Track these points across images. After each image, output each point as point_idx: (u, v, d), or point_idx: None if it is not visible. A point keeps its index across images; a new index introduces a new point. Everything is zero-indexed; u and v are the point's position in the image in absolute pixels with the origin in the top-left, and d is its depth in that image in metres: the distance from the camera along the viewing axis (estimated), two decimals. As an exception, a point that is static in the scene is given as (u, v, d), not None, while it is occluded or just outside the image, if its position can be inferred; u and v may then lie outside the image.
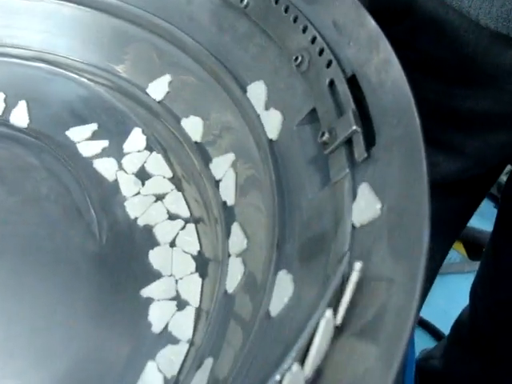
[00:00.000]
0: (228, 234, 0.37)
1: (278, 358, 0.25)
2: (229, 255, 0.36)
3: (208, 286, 0.37)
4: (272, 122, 0.36)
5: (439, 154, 0.50)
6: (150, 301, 0.36)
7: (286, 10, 0.36)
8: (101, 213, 0.40)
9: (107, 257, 0.38)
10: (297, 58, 0.34)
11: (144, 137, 0.43)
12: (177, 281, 0.37)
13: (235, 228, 0.37)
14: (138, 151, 0.43)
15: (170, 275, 0.37)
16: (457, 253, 1.20)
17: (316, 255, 0.28)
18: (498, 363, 0.74)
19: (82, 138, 0.44)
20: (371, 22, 0.30)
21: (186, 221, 0.40)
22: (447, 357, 0.84)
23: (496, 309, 0.68)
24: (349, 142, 0.29)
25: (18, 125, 0.44)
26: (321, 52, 0.33)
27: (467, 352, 0.78)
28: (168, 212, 0.40)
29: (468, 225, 0.71)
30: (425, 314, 1.04)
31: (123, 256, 0.38)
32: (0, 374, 0.33)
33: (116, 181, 0.42)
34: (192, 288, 0.37)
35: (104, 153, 0.43)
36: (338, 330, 0.22)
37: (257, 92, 0.38)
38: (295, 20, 0.35)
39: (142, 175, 0.42)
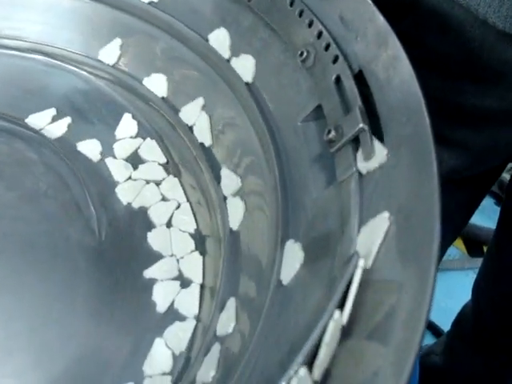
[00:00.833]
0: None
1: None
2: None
3: (209, 262, 0.37)
4: (245, 67, 0.37)
5: (444, 151, 0.50)
6: (152, 282, 0.36)
7: (292, 4, 0.35)
8: (100, 209, 0.39)
9: (106, 253, 0.37)
10: (302, 53, 0.34)
11: (135, 122, 0.43)
12: (178, 260, 0.38)
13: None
14: (131, 137, 0.43)
15: (171, 255, 0.38)
16: (457, 249, 1.20)
17: (321, 256, 0.28)
18: (501, 358, 0.74)
19: (45, 123, 0.43)
20: (380, 18, 0.30)
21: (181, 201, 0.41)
22: (449, 352, 0.84)
23: (500, 303, 0.68)
24: (356, 140, 0.28)
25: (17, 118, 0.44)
26: (327, 47, 0.32)
27: (470, 347, 0.78)
28: (162, 194, 0.41)
29: (468, 222, 0.71)
30: (423, 310, 1.04)
31: (123, 252, 0.37)
32: (-1, 372, 0.33)
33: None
34: (194, 266, 0.37)
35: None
36: (347, 333, 0.22)
37: (219, 39, 0.39)
38: (301, 14, 0.34)
39: (135, 161, 0.42)
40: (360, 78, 0.30)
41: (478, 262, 0.72)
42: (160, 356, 0.34)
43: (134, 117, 0.44)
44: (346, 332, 0.22)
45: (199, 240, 0.39)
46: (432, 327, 1.05)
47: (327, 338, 0.21)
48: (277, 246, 0.31)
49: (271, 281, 0.30)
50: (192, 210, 0.40)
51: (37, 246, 0.37)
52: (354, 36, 0.31)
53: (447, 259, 1.14)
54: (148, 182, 0.41)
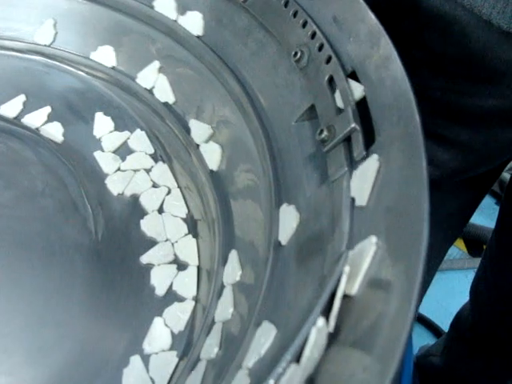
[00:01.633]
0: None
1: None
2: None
3: (203, 245, 0.38)
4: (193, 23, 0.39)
5: (446, 152, 0.50)
6: (149, 271, 0.37)
7: (286, 5, 0.35)
8: (97, 208, 0.39)
9: (102, 253, 0.37)
10: (296, 54, 0.34)
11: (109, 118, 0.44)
12: (173, 244, 0.38)
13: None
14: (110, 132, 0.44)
15: (166, 240, 0.39)
16: (457, 249, 1.20)
17: (313, 255, 0.28)
18: (499, 359, 0.74)
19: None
20: (372, 18, 0.30)
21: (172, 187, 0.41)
22: (447, 353, 0.84)
23: (498, 304, 0.68)
24: (348, 140, 0.29)
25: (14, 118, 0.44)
26: (320, 47, 0.32)
27: (468, 348, 0.78)
28: (152, 181, 0.41)
29: (469, 221, 0.71)
30: (425, 310, 1.04)
31: (119, 252, 0.38)
32: (-5, 370, 0.33)
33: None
34: (188, 249, 0.38)
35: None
36: (332, 338, 0.22)
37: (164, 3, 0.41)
38: (295, 15, 0.34)
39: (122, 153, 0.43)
40: (353, 78, 0.30)
41: (479, 261, 0.72)
42: (159, 334, 0.35)
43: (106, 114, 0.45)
44: (334, 331, 0.22)
45: (191, 224, 0.39)
46: (432, 327, 1.05)
47: (312, 341, 0.21)
48: (269, 247, 0.31)
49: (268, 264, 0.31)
50: (183, 195, 0.41)
51: (33, 244, 0.37)
52: (346, 36, 0.31)
53: (448, 259, 1.14)
54: (137, 171, 0.42)
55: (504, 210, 0.63)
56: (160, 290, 0.36)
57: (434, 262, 0.69)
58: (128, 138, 0.43)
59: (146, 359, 0.34)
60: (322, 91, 0.31)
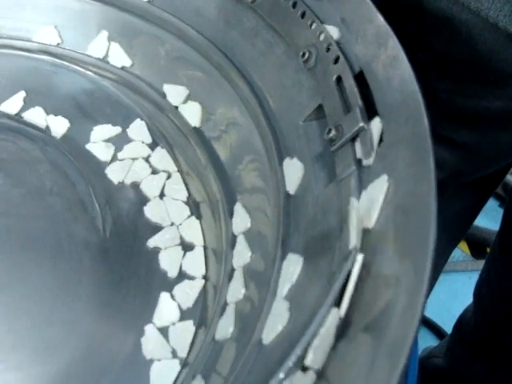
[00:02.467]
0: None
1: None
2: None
3: (207, 225, 0.39)
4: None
5: (452, 154, 0.50)
6: (158, 267, 0.38)
7: (294, 6, 0.36)
8: (105, 207, 0.39)
9: (111, 251, 0.38)
10: (304, 54, 0.34)
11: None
12: (177, 227, 0.39)
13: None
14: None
15: (171, 224, 0.39)
16: (461, 251, 1.20)
17: (321, 253, 0.28)
18: (502, 361, 0.74)
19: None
20: (379, 19, 0.30)
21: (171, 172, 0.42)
22: (450, 355, 0.84)
23: (501, 306, 0.67)
24: (356, 139, 0.29)
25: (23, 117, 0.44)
26: (328, 48, 0.32)
27: (471, 350, 0.78)
28: (152, 167, 0.42)
29: (472, 224, 0.71)
30: (428, 312, 1.04)
31: (127, 250, 0.38)
32: (3, 366, 0.33)
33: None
34: (193, 230, 0.39)
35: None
36: (344, 326, 0.22)
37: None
38: (303, 15, 0.35)
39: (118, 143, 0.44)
40: (360, 78, 0.30)
41: (482, 264, 0.72)
42: (166, 308, 0.36)
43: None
44: (344, 325, 0.22)
45: (193, 206, 0.40)
46: (435, 329, 1.05)
47: (324, 331, 0.22)
48: (277, 244, 0.32)
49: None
50: (183, 179, 0.42)
51: (41, 242, 0.37)
52: (354, 37, 0.31)
53: (451, 261, 1.14)
54: (135, 159, 0.42)
55: (508, 213, 0.63)
56: (172, 272, 0.37)
57: (437, 263, 0.69)
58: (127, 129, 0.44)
59: (164, 331, 0.35)
60: (329, 91, 0.32)
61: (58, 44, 0.47)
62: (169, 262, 0.38)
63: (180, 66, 0.44)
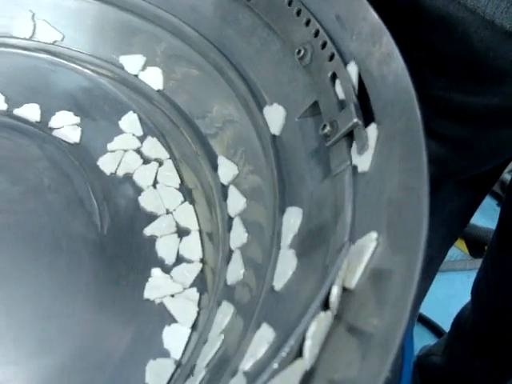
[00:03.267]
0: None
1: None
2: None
3: (200, 210, 0.40)
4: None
5: (449, 151, 0.50)
6: (155, 262, 0.38)
7: (290, 3, 0.36)
8: (102, 203, 0.40)
9: (108, 247, 0.38)
10: (299, 51, 0.34)
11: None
12: (172, 213, 0.40)
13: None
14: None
15: (166, 213, 0.40)
16: (459, 250, 1.20)
17: (316, 247, 0.29)
18: (500, 359, 0.74)
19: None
20: (374, 16, 0.30)
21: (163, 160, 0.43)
22: (449, 353, 0.84)
23: (499, 304, 0.68)
24: (350, 135, 0.29)
25: (22, 116, 0.45)
26: (323, 45, 0.33)
27: (469, 348, 0.78)
28: (143, 157, 0.43)
29: (470, 222, 0.71)
30: (426, 310, 1.04)
31: (125, 246, 0.38)
32: (3, 360, 0.33)
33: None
34: (187, 215, 0.40)
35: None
36: (336, 318, 0.23)
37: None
38: (298, 13, 0.35)
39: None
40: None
41: (480, 262, 0.72)
42: (158, 281, 0.37)
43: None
44: (336, 317, 0.22)
45: (186, 192, 0.41)
46: (434, 328, 1.06)
47: (316, 325, 0.22)
48: (273, 239, 0.32)
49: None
50: (175, 166, 0.42)
51: (40, 238, 0.38)
52: (349, 34, 0.32)
53: (449, 260, 1.14)
54: (126, 151, 0.43)
55: (505, 211, 0.63)
56: (169, 259, 0.38)
57: (434, 261, 0.69)
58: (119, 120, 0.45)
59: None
60: (325, 88, 0.32)
61: (56, 42, 0.47)
62: (166, 249, 0.38)
63: (176, 64, 0.44)
